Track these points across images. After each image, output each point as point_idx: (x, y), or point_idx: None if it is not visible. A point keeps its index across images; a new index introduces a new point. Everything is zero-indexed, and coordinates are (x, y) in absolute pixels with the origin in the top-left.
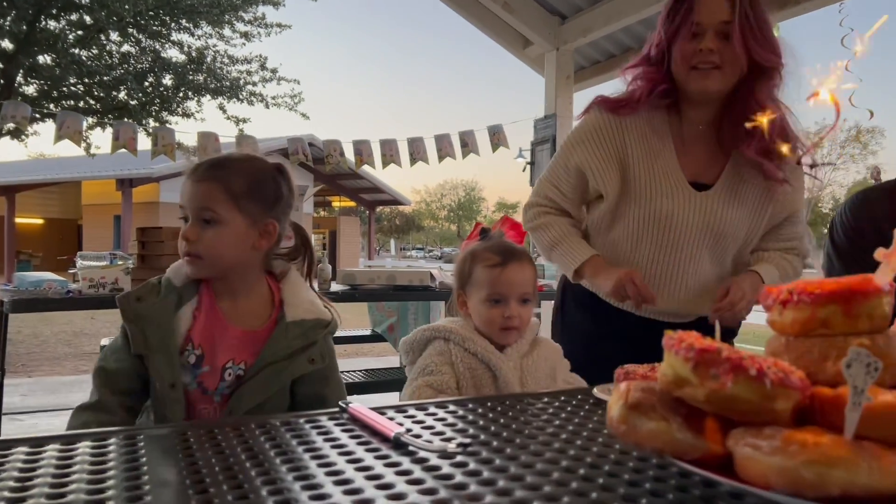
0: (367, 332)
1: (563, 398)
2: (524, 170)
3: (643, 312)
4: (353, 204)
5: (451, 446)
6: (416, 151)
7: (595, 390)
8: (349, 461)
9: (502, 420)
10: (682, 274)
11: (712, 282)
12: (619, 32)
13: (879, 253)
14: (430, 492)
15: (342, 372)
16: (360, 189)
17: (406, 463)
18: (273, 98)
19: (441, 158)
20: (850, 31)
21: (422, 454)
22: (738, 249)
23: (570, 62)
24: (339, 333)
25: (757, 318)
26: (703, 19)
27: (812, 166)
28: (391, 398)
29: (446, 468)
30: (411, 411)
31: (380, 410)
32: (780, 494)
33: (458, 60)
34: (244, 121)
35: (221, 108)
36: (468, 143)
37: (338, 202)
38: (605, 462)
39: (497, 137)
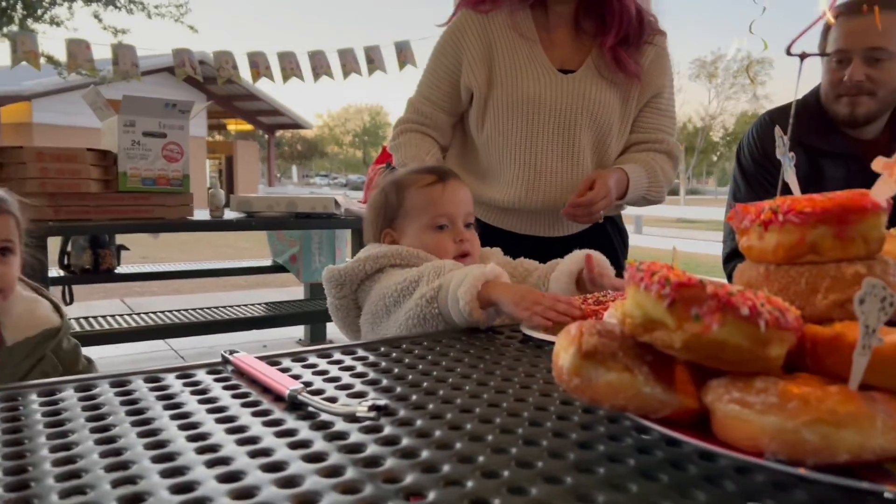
0: (268, 263)
1: (486, 335)
2: None
3: (536, 233)
4: (250, 128)
5: (361, 408)
6: (319, 66)
7: (523, 326)
8: (229, 430)
9: (421, 366)
10: (562, 166)
11: (590, 165)
12: None
13: (878, 163)
14: (335, 471)
15: (240, 306)
16: (258, 111)
17: (304, 430)
18: (156, 7)
19: (346, 74)
20: None
21: (324, 417)
22: (615, 143)
23: None
24: (237, 265)
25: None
26: None
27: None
28: (296, 332)
29: (355, 435)
30: (312, 359)
31: (272, 360)
32: (775, 461)
33: None
34: (122, 32)
35: (96, 16)
36: (374, 60)
37: (234, 125)
38: (546, 418)
39: (404, 55)
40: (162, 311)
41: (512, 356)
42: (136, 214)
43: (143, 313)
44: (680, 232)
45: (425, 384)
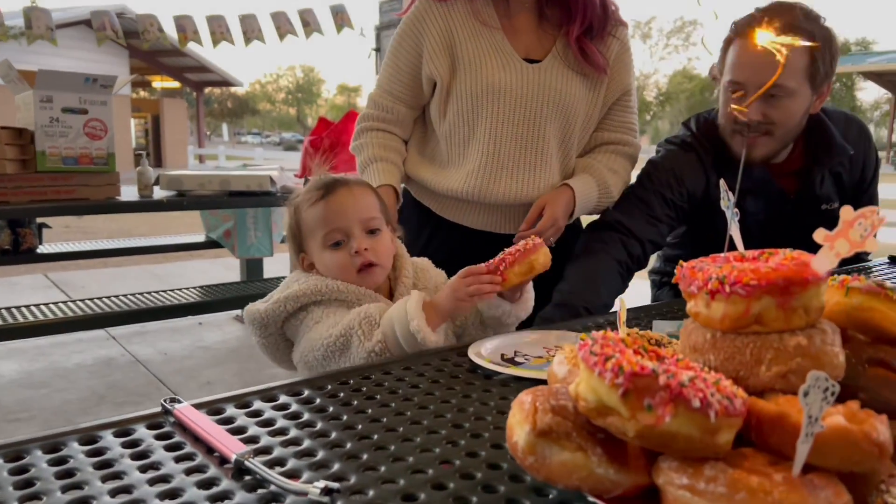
0: (201, 238)
1: (436, 361)
2: (369, 56)
3: (491, 229)
4: (177, 85)
5: (314, 489)
6: (250, 30)
7: (470, 352)
8: (165, 500)
9: (370, 410)
10: (525, 157)
11: (554, 158)
12: None
13: (819, 235)
14: None
15: (176, 290)
16: (185, 68)
17: (253, 503)
18: None
19: (282, 37)
20: None
21: (273, 488)
22: (579, 135)
23: None
24: (167, 241)
25: None
26: None
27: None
28: (233, 311)
29: None
30: (257, 404)
31: (214, 408)
32: None
33: None
34: None
35: None
36: (310, 23)
37: (160, 81)
38: (499, 480)
39: (340, 17)
40: (95, 299)
41: (462, 391)
42: (57, 196)
43: (76, 301)
44: None
45: (376, 436)
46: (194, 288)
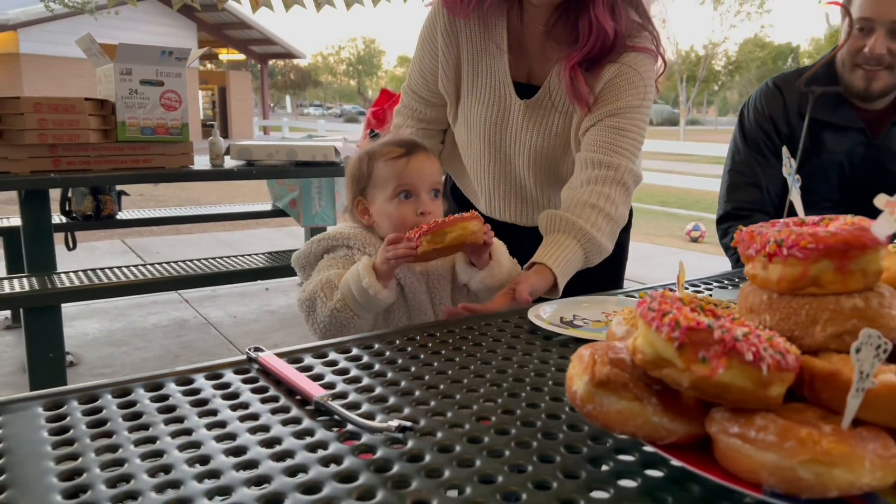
0: (268, 207)
1: (497, 324)
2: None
3: (494, 215)
4: (242, 57)
5: (389, 425)
6: None
7: (530, 314)
8: (256, 434)
9: (436, 363)
10: (512, 188)
11: (544, 195)
12: None
13: (881, 200)
14: (366, 495)
15: (243, 256)
16: (251, 41)
17: (331, 443)
18: None
19: (349, 5)
20: None
21: (351, 427)
22: (564, 168)
23: None
24: (236, 209)
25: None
26: None
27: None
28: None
29: (380, 451)
30: (332, 355)
31: (294, 357)
32: (771, 494)
33: None
34: None
35: None
36: None
37: (226, 53)
38: (558, 429)
39: None
40: (169, 263)
41: (522, 350)
42: (135, 164)
43: (152, 264)
44: (679, 165)
45: (442, 386)
46: (261, 254)
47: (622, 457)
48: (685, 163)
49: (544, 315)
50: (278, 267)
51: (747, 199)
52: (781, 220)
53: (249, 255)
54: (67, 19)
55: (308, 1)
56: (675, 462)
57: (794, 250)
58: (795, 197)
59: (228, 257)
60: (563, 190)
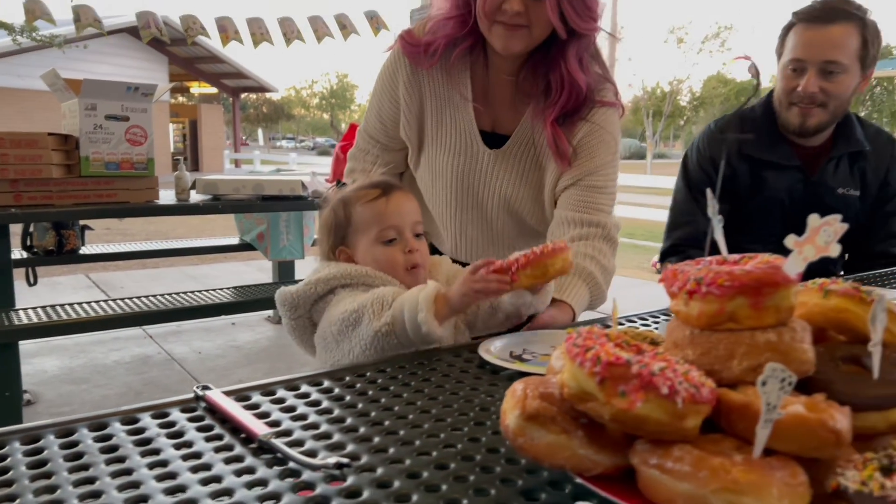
0: (235, 241)
1: (449, 357)
2: None
3: (460, 258)
4: (214, 91)
5: (327, 462)
6: (290, 31)
7: (480, 349)
8: (197, 473)
9: (383, 399)
10: (481, 234)
11: (514, 239)
12: None
13: (790, 240)
14: None
15: (210, 290)
16: (222, 74)
17: (271, 481)
18: None
19: (320, 38)
20: None
21: (292, 465)
22: (531, 217)
23: None
24: (203, 243)
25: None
26: None
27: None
28: (265, 312)
29: (319, 487)
30: (280, 392)
31: (242, 395)
32: None
33: None
34: None
35: None
36: (346, 26)
37: (197, 86)
38: (496, 462)
39: (375, 22)
40: (132, 298)
41: (470, 384)
42: (99, 199)
43: (115, 300)
44: (646, 198)
45: (387, 423)
46: (228, 289)
47: (555, 490)
48: (652, 195)
49: (494, 349)
50: (245, 301)
51: (684, 236)
52: (705, 259)
53: (215, 289)
54: (35, 52)
55: (277, 37)
56: (601, 493)
57: (712, 288)
58: (719, 236)
59: (194, 292)
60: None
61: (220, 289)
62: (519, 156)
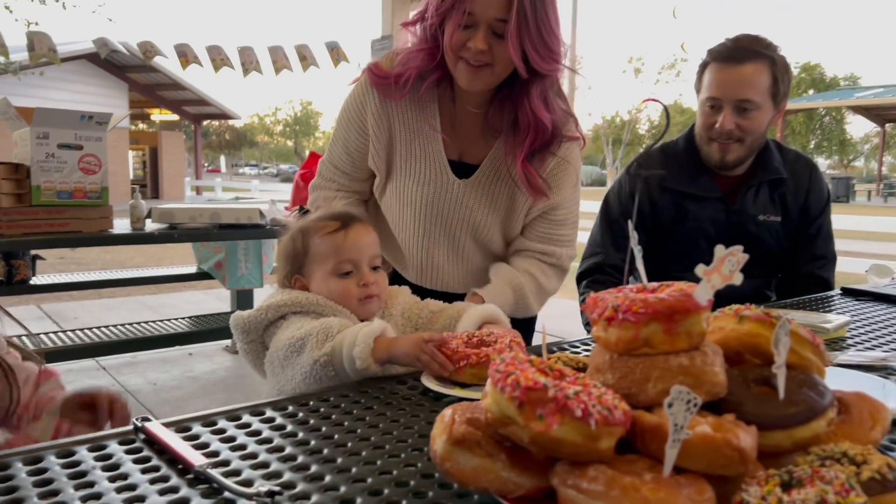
0: (193, 270)
1: (392, 385)
2: None
3: (421, 283)
4: (176, 118)
5: (259, 491)
6: (249, 61)
7: (423, 378)
8: None
9: (324, 428)
10: (449, 260)
11: (479, 264)
12: None
13: (700, 269)
14: None
15: (167, 321)
16: (184, 101)
17: None
18: None
19: (278, 70)
20: None
21: (227, 495)
22: (497, 243)
23: None
24: (159, 272)
25: None
26: (477, 11)
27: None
28: (223, 342)
29: None
30: (221, 423)
31: (182, 426)
32: None
33: None
34: (36, 24)
35: (7, 7)
36: (306, 57)
37: (158, 113)
38: (429, 487)
39: (336, 53)
40: (87, 329)
41: (411, 411)
42: (51, 228)
43: (66, 331)
44: None
45: (325, 451)
46: (184, 318)
47: None
48: None
49: (437, 377)
50: (202, 331)
51: (594, 265)
52: (626, 287)
53: (171, 319)
54: None
55: (236, 63)
56: None
57: (628, 315)
58: (639, 264)
59: (149, 322)
60: (495, 265)
61: (177, 318)
62: (487, 185)
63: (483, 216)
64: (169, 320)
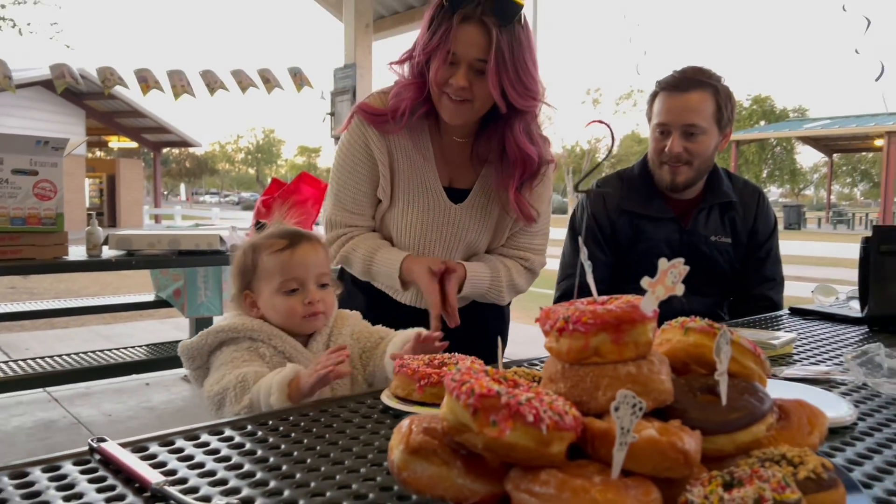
0: (151, 298)
1: (352, 405)
2: (323, 120)
3: (417, 304)
4: (135, 145)
5: (220, 501)
6: (213, 82)
7: (383, 396)
8: None
9: (283, 446)
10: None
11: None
12: None
13: (645, 281)
14: None
15: (122, 349)
16: (143, 128)
17: None
18: (28, 24)
19: (244, 89)
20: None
21: None
22: (487, 248)
23: (370, 10)
24: (115, 300)
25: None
26: (459, 51)
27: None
28: (181, 371)
29: None
30: (179, 442)
31: (139, 446)
32: None
33: None
34: None
35: None
36: (270, 80)
37: (116, 140)
38: (388, 499)
39: (299, 78)
40: (37, 358)
41: (372, 428)
42: (3, 256)
43: (15, 360)
44: None
45: (285, 467)
46: (140, 346)
47: None
48: None
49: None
50: (158, 359)
51: (570, 286)
52: (578, 300)
53: (127, 347)
54: None
55: (199, 88)
56: None
57: (578, 325)
58: (590, 279)
59: (103, 351)
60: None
61: (132, 347)
62: (479, 207)
63: (476, 235)
64: (125, 348)
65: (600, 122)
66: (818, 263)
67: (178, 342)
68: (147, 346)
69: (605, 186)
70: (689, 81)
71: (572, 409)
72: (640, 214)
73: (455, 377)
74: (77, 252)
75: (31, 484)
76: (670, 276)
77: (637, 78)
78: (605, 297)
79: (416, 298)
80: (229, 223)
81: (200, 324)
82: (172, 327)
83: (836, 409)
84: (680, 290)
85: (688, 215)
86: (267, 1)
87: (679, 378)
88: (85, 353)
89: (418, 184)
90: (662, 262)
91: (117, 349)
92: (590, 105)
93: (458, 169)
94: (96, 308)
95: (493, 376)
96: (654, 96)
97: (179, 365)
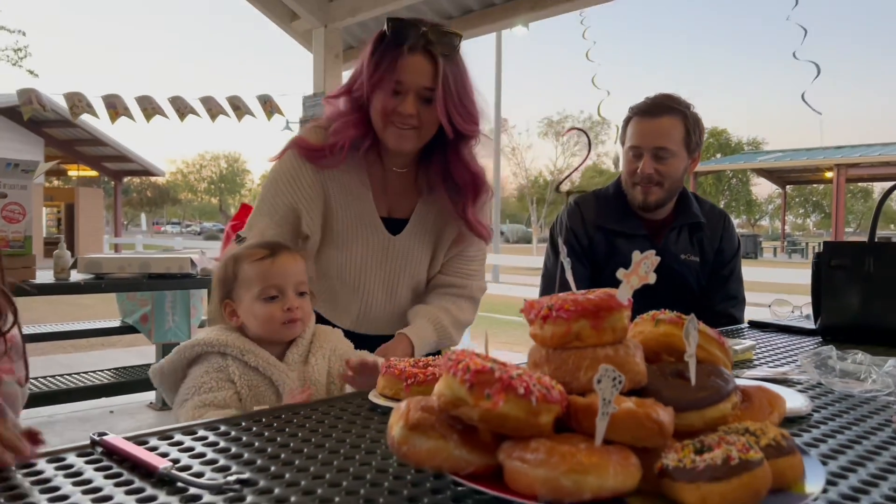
0: (116, 324)
1: (339, 405)
2: None
3: (359, 330)
4: (94, 174)
5: (228, 480)
6: (183, 108)
7: (371, 395)
8: None
9: (279, 438)
10: (385, 306)
11: (405, 305)
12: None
13: (620, 273)
14: None
15: (86, 372)
16: (104, 157)
17: (176, 503)
18: None
19: (213, 117)
20: (593, 44)
21: (193, 491)
22: (427, 275)
23: (339, 41)
24: (78, 326)
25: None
26: (406, 80)
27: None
28: (147, 395)
29: None
30: (178, 437)
31: (140, 440)
32: (545, 503)
33: (220, 23)
34: None
35: None
36: (240, 107)
37: (76, 169)
38: (384, 478)
39: (269, 105)
40: None
41: (361, 426)
42: None
43: None
44: (533, 279)
45: (283, 455)
46: (105, 370)
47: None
48: (536, 276)
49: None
50: (124, 383)
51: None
52: (559, 294)
53: (90, 371)
54: None
55: (171, 111)
56: (478, 491)
57: (561, 312)
58: (569, 276)
59: (64, 375)
60: (416, 306)
61: (96, 371)
62: (419, 236)
63: (417, 263)
64: (87, 373)
65: (577, 129)
66: (775, 290)
67: (143, 366)
68: (111, 369)
69: (583, 204)
70: (661, 107)
71: (558, 385)
72: (615, 231)
73: (451, 358)
74: (45, 276)
75: (40, 472)
76: (643, 267)
77: (597, 115)
78: (584, 291)
79: (357, 324)
80: (194, 252)
81: (167, 349)
82: (135, 356)
83: (794, 401)
84: (652, 278)
85: (659, 234)
86: (237, 31)
87: (651, 365)
88: (45, 377)
89: (356, 217)
90: (636, 255)
91: (79, 373)
92: (552, 137)
93: (397, 198)
94: (60, 334)
95: (483, 358)
96: (627, 121)
97: (145, 388)
